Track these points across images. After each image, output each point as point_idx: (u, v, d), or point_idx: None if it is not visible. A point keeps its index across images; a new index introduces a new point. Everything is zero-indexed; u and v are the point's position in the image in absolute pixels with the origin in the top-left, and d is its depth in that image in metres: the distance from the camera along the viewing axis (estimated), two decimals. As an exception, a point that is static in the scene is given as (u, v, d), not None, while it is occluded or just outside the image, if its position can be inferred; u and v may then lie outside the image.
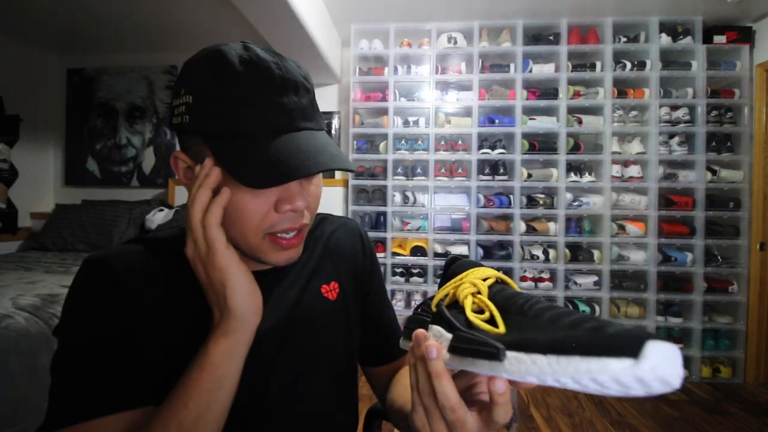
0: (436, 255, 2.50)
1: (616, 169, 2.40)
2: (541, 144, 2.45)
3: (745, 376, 2.34)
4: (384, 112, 2.58)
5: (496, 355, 0.29)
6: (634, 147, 2.43)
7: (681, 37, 2.39)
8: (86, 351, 0.43)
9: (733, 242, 2.36)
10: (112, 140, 3.00)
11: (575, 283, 2.44)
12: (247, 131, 0.42)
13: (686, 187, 2.38)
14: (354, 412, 0.63)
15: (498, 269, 0.40)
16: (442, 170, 2.52)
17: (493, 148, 2.48)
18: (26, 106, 2.81)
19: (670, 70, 2.38)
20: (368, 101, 2.58)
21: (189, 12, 2.36)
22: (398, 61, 2.58)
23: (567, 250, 2.42)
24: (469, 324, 0.34)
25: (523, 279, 2.46)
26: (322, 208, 0.57)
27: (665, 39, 2.38)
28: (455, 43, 2.50)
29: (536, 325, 0.30)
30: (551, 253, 2.44)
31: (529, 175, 2.44)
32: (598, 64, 2.43)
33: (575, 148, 2.45)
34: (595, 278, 2.42)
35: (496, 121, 2.50)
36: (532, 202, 2.46)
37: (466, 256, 0.48)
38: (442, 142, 2.57)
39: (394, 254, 2.52)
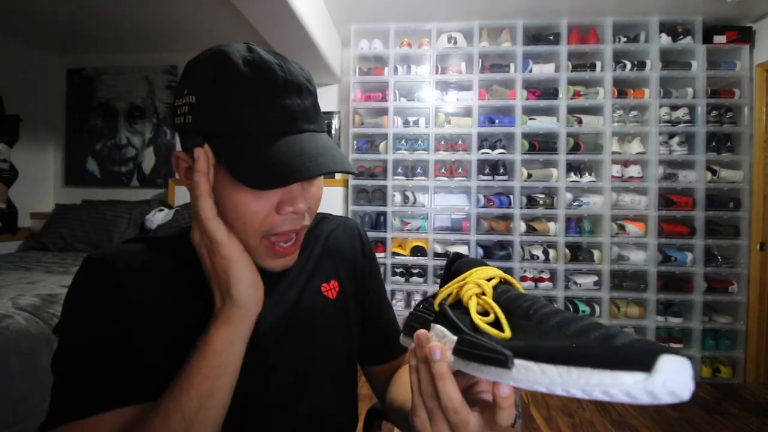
0: (436, 255, 2.50)
1: (616, 169, 2.40)
2: (541, 144, 2.45)
3: (745, 376, 2.34)
4: (384, 112, 2.58)
5: (503, 363, 0.28)
6: (634, 147, 2.43)
7: (681, 37, 2.39)
8: (86, 349, 0.43)
9: (733, 242, 2.36)
10: (112, 140, 3.00)
11: (575, 283, 2.44)
12: (249, 132, 0.42)
13: (686, 187, 2.38)
14: (354, 412, 0.63)
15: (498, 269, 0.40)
16: (442, 170, 2.52)
17: (493, 148, 2.48)
18: (26, 106, 2.81)
19: (670, 70, 2.38)
20: (368, 101, 2.58)
21: (189, 12, 2.36)
22: (398, 61, 2.58)
23: (567, 250, 2.42)
24: (474, 327, 0.33)
25: (523, 279, 2.46)
26: (322, 208, 0.57)
27: (665, 39, 2.38)
28: (455, 43, 2.50)
29: (543, 331, 0.30)
30: (551, 253, 2.44)
31: (529, 175, 2.44)
32: (598, 64, 2.43)
33: (575, 148, 2.45)
34: (595, 278, 2.42)
35: (496, 121, 2.50)
36: (532, 202, 2.46)
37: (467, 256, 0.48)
38: (442, 142, 2.57)
39: (394, 254, 2.52)
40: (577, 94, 2.45)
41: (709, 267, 2.35)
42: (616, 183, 2.40)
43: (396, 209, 2.53)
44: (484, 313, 0.35)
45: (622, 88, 2.42)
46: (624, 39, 2.42)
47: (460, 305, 0.37)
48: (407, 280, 2.53)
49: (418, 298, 2.59)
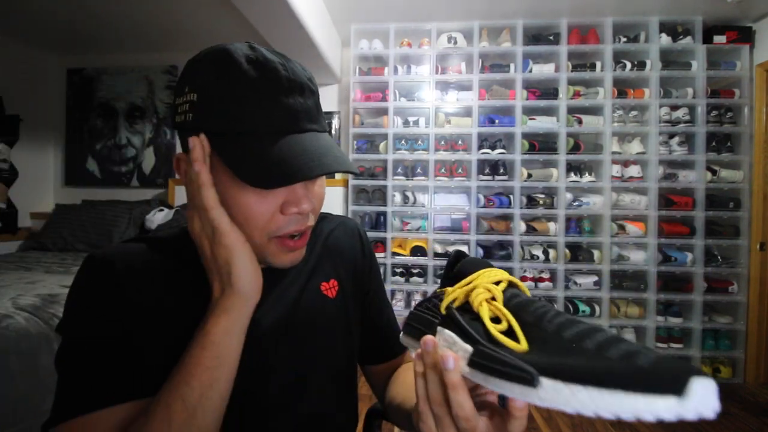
0: (436, 255, 2.50)
1: (616, 169, 2.40)
2: (541, 144, 2.45)
3: (745, 376, 2.34)
4: (384, 112, 2.58)
5: (529, 381, 0.27)
6: (634, 147, 2.43)
7: (681, 37, 2.39)
8: (87, 348, 0.43)
9: (733, 242, 2.36)
10: (112, 140, 3.00)
11: (575, 283, 2.44)
12: (252, 131, 0.42)
13: (686, 187, 2.38)
14: (354, 412, 0.63)
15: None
16: (442, 170, 2.52)
17: (493, 148, 2.48)
18: (26, 106, 2.81)
19: (670, 70, 2.38)
20: (368, 101, 2.58)
21: (189, 12, 2.36)
22: (398, 61, 2.58)
23: (567, 250, 2.42)
24: (489, 335, 0.32)
25: (523, 279, 2.46)
26: (322, 208, 0.57)
27: (665, 39, 2.38)
28: (455, 43, 2.50)
29: (561, 345, 0.29)
30: (551, 253, 2.44)
31: (529, 175, 2.44)
32: (598, 64, 2.42)
33: (575, 148, 2.45)
34: (595, 278, 2.42)
35: (496, 121, 2.50)
36: (532, 202, 2.46)
37: (468, 254, 0.47)
38: (442, 142, 2.57)
39: (394, 254, 2.52)
40: (577, 94, 2.45)
41: (709, 267, 2.35)
42: (616, 183, 2.40)
43: (396, 209, 2.53)
44: (495, 319, 0.34)
45: (622, 88, 2.42)
46: (624, 39, 2.42)
47: (468, 309, 0.36)
48: (407, 280, 2.53)
49: (418, 298, 2.59)
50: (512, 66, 2.46)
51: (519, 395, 0.28)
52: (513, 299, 0.35)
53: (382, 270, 2.53)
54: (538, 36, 2.49)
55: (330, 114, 2.85)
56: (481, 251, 2.50)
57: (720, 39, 2.37)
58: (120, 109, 2.99)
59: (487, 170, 2.47)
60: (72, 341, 0.44)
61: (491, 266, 0.39)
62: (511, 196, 2.46)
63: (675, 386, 0.23)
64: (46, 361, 1.22)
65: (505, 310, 0.33)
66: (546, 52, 2.47)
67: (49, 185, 3.06)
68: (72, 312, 0.46)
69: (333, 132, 2.86)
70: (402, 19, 2.48)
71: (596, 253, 2.42)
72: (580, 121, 2.44)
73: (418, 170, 2.50)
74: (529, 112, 2.51)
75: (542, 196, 2.47)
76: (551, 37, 2.46)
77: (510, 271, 2.43)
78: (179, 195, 2.75)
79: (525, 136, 2.46)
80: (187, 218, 0.45)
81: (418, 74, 2.55)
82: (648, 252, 2.38)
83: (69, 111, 3.04)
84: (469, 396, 0.32)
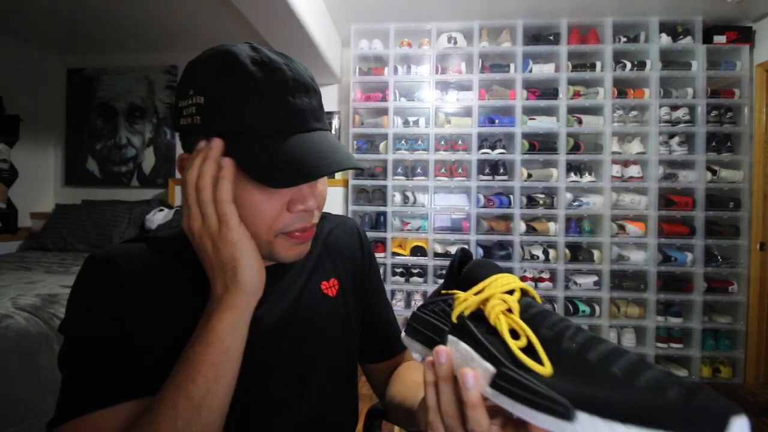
0: (436, 255, 2.50)
1: (616, 169, 2.40)
2: (541, 144, 2.45)
3: (745, 376, 2.34)
4: (384, 112, 2.58)
5: (564, 415, 0.26)
6: (634, 147, 2.43)
7: (681, 37, 2.39)
8: (89, 347, 0.43)
9: (733, 242, 2.36)
10: (112, 140, 3.00)
11: (575, 283, 2.44)
12: (261, 131, 0.43)
13: (686, 187, 2.38)
14: (354, 411, 0.63)
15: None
16: (442, 170, 2.52)
17: (493, 148, 2.48)
18: (26, 106, 2.81)
19: (670, 70, 2.38)
20: (368, 101, 2.58)
21: (189, 12, 2.36)
22: (398, 61, 2.58)
23: (567, 250, 2.42)
24: (510, 354, 0.31)
25: (524, 279, 2.45)
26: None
27: (665, 39, 2.38)
28: (455, 43, 2.50)
29: (586, 369, 0.28)
30: (551, 253, 2.44)
31: (529, 175, 2.44)
32: (598, 64, 2.42)
33: (575, 148, 2.45)
34: (595, 278, 2.42)
35: (496, 121, 2.50)
36: (532, 202, 2.46)
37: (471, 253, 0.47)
38: (442, 142, 2.57)
39: (394, 254, 2.52)
40: (577, 94, 2.45)
41: (709, 267, 2.35)
42: (616, 183, 2.40)
43: (396, 209, 2.53)
44: (513, 332, 0.33)
45: (622, 88, 2.42)
46: (624, 39, 2.42)
47: (480, 317, 0.35)
48: (407, 280, 2.53)
49: (418, 298, 2.59)
50: (512, 66, 2.46)
51: (552, 427, 0.27)
52: (528, 309, 0.34)
53: (382, 270, 2.53)
54: (538, 36, 2.49)
55: (330, 114, 2.85)
56: (481, 251, 2.50)
57: (720, 39, 2.37)
58: (120, 109, 2.99)
59: (487, 170, 2.47)
60: (74, 341, 0.44)
61: (501, 270, 0.38)
62: (511, 196, 2.46)
63: (716, 426, 0.24)
64: (46, 361, 1.22)
65: (525, 326, 0.32)
66: (546, 52, 2.47)
67: (49, 185, 3.06)
68: (74, 312, 0.46)
69: (333, 132, 2.86)
70: (402, 19, 2.48)
71: (596, 253, 2.42)
72: (580, 121, 2.44)
73: (418, 170, 2.50)
74: (529, 112, 2.51)
75: (542, 196, 2.47)
76: (551, 37, 2.46)
77: (510, 271, 2.42)
78: (179, 195, 2.75)
79: (525, 136, 2.46)
80: (183, 216, 0.45)
81: (418, 74, 2.55)
82: (648, 252, 2.38)
83: (69, 111, 3.04)
84: (486, 413, 0.31)
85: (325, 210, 0.62)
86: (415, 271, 2.53)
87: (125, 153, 2.99)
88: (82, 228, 2.54)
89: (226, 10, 2.25)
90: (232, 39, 2.65)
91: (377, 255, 2.47)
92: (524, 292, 0.37)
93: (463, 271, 0.40)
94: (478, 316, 0.35)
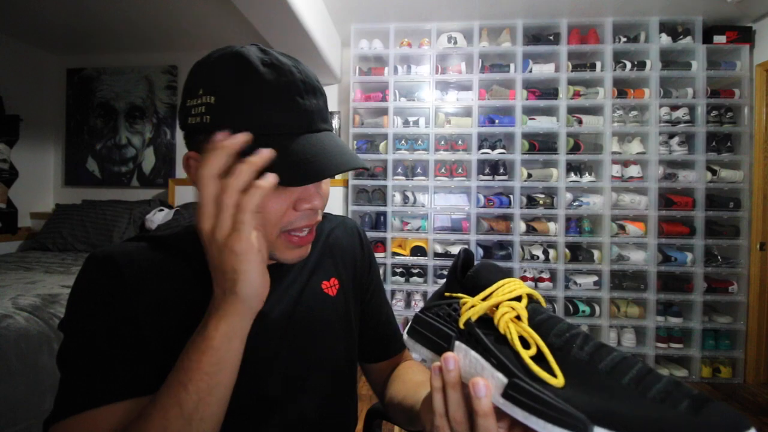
0: (436, 255, 2.50)
1: (616, 169, 2.40)
2: (541, 144, 2.45)
3: (745, 376, 2.34)
4: (384, 112, 2.58)
5: (581, 430, 0.27)
6: (634, 147, 2.43)
7: (681, 37, 2.39)
8: (87, 344, 0.43)
9: (733, 242, 2.36)
10: (112, 140, 3.00)
11: (575, 283, 2.44)
12: (273, 132, 0.43)
13: (686, 187, 2.38)
14: (354, 411, 0.63)
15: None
16: (442, 170, 2.52)
17: (493, 148, 2.48)
18: (26, 106, 2.81)
19: (670, 70, 2.38)
20: (368, 101, 2.58)
21: (189, 12, 2.36)
22: (398, 61, 2.58)
23: (567, 250, 2.42)
24: (522, 363, 0.31)
25: (524, 279, 2.46)
26: (322, 208, 0.58)
27: (665, 39, 2.38)
28: (455, 43, 2.50)
29: (597, 379, 0.29)
30: (551, 253, 2.44)
31: (529, 175, 2.44)
32: (598, 64, 2.42)
33: (575, 148, 2.45)
34: (595, 278, 2.42)
35: (496, 121, 2.50)
36: (532, 202, 2.46)
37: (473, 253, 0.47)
38: (442, 142, 2.57)
39: (394, 254, 2.52)
40: (577, 94, 2.45)
41: (709, 267, 2.35)
42: (616, 183, 2.40)
43: (396, 209, 2.53)
44: (522, 340, 0.33)
45: (622, 88, 2.42)
46: (624, 39, 2.42)
47: (486, 322, 0.35)
48: (407, 280, 2.53)
49: (418, 298, 2.59)
50: (512, 66, 2.46)
51: None
52: (535, 316, 0.34)
53: (382, 270, 2.53)
54: (538, 36, 2.49)
55: (330, 114, 2.85)
56: (481, 251, 2.50)
57: (720, 39, 2.37)
58: (120, 109, 2.99)
59: (487, 170, 2.47)
60: (73, 339, 0.44)
61: (506, 274, 0.38)
62: (511, 196, 2.46)
63: None
64: (46, 361, 1.22)
65: (535, 335, 0.32)
66: (546, 52, 2.47)
67: (49, 185, 3.06)
68: (73, 310, 0.46)
69: (333, 132, 2.86)
70: (402, 19, 2.48)
71: (596, 253, 2.42)
72: (580, 121, 2.44)
73: (418, 170, 2.50)
74: (529, 112, 2.51)
75: (542, 196, 2.47)
76: (551, 37, 2.46)
77: (510, 271, 2.43)
78: (179, 195, 2.75)
79: (525, 136, 2.46)
80: (197, 215, 0.42)
81: (418, 74, 2.55)
82: (648, 252, 2.38)
83: (69, 111, 3.04)
84: (496, 421, 0.31)
85: (325, 210, 0.62)
86: (415, 271, 2.53)
87: (125, 153, 2.99)
88: (82, 228, 2.54)
89: (226, 10, 2.26)
90: (232, 39, 2.66)
91: (377, 255, 2.47)
92: (530, 298, 0.36)
93: (468, 273, 0.40)
94: (485, 321, 0.35)
